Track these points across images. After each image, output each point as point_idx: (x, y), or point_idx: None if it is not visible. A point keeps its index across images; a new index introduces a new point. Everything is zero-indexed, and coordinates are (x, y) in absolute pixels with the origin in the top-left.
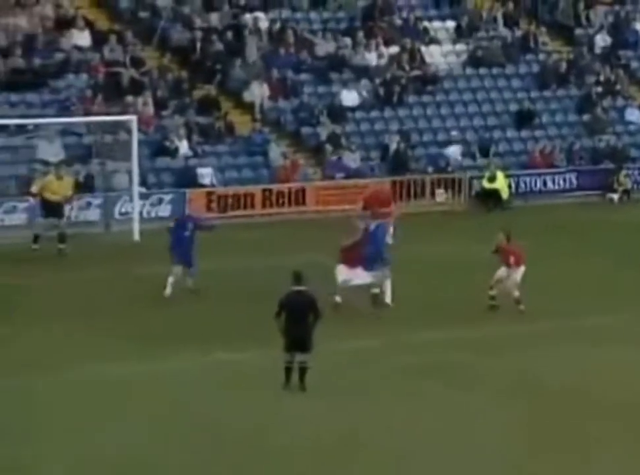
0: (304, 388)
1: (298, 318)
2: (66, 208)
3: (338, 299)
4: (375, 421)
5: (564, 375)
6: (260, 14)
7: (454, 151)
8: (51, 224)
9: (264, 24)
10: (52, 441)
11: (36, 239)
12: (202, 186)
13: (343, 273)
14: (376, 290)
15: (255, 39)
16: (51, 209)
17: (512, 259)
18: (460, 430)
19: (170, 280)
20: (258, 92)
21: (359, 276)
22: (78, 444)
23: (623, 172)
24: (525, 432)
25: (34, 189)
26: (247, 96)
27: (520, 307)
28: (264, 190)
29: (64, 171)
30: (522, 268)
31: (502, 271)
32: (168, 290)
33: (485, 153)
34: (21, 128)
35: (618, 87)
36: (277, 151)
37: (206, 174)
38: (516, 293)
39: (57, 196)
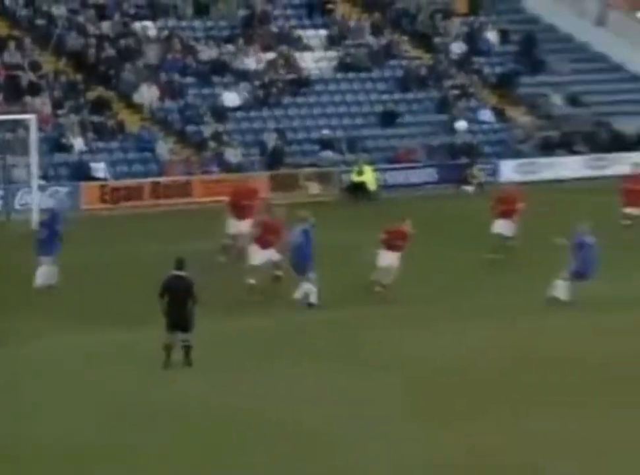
0: (190, 363)
1: (178, 301)
2: None
3: (252, 281)
4: (255, 394)
5: (438, 353)
6: (148, 23)
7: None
8: None
9: (152, 32)
10: None
11: None
12: (96, 179)
13: (255, 255)
14: (279, 272)
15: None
16: None
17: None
18: (345, 401)
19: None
20: (147, 94)
21: (268, 256)
22: None
23: (477, 166)
24: (403, 403)
25: None
26: (137, 97)
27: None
28: (153, 183)
29: None
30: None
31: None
32: (39, 281)
33: (353, 149)
34: None
35: (472, 90)
36: (164, 147)
37: (99, 168)
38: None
39: None
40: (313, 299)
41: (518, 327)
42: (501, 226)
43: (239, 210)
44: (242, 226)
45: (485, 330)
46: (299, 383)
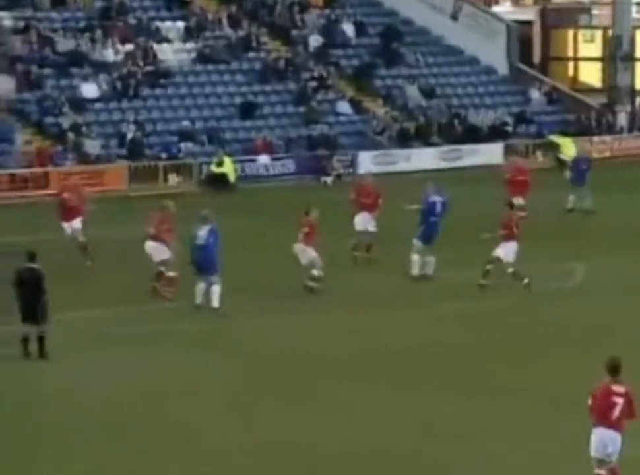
0: (45, 355)
1: (29, 293)
2: None
3: (172, 274)
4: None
5: (277, 339)
6: (4, 13)
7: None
8: None
9: (8, 22)
10: None
11: None
12: None
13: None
14: (171, 273)
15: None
16: None
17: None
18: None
19: None
20: (4, 85)
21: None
22: None
23: (335, 158)
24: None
25: None
26: None
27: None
28: (9, 175)
29: None
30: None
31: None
32: None
33: (213, 141)
34: None
35: (330, 82)
36: (22, 139)
37: None
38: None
39: None
40: (215, 303)
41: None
42: (363, 221)
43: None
44: None
45: (339, 320)
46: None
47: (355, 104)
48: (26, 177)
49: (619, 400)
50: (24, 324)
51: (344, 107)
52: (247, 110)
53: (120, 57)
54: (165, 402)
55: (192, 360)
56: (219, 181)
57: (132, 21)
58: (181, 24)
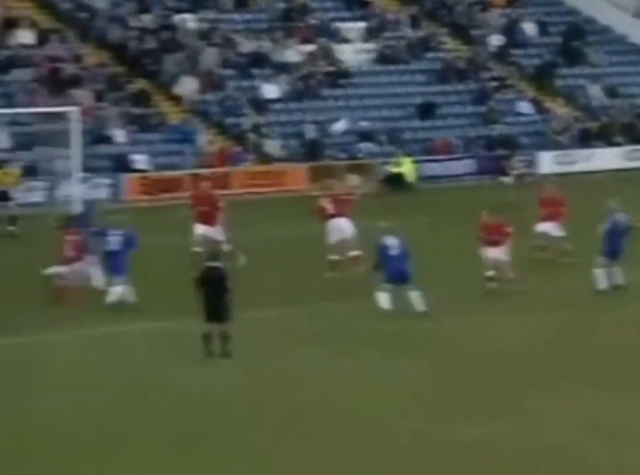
0: (228, 354)
1: (213, 292)
2: (12, 193)
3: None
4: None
5: (465, 339)
6: (188, 16)
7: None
8: None
9: (192, 25)
10: None
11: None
12: (137, 171)
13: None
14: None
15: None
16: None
17: (496, 236)
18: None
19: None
20: (187, 86)
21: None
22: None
23: (516, 158)
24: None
25: None
26: (177, 89)
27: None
28: (192, 175)
29: (12, 168)
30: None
31: (488, 251)
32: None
33: (392, 141)
34: None
35: (510, 82)
36: (204, 139)
37: (140, 160)
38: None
39: (4, 187)
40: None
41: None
42: (547, 228)
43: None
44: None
45: (532, 320)
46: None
47: (536, 104)
48: (208, 178)
49: None
50: (207, 323)
51: (524, 106)
52: (426, 110)
53: (301, 58)
54: (355, 400)
55: (379, 359)
56: (397, 181)
57: (313, 22)
58: (361, 25)
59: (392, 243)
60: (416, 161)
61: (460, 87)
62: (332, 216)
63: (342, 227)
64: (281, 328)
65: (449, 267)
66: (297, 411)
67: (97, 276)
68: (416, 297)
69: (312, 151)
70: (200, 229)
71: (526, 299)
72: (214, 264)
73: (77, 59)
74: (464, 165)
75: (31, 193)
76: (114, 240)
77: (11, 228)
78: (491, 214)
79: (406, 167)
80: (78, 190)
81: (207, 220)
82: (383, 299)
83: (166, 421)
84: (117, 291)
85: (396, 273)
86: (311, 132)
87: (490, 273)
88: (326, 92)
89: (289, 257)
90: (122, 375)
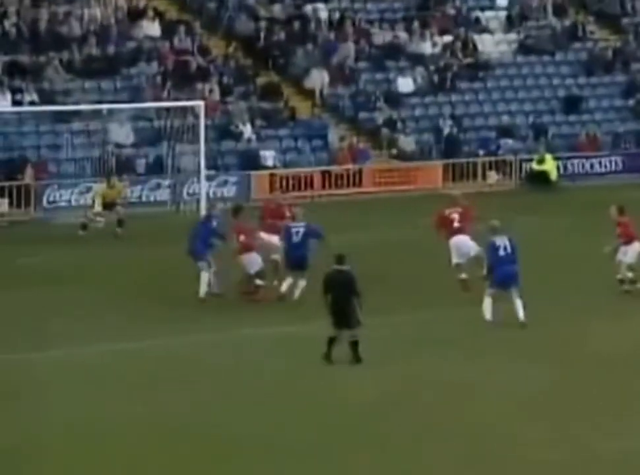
0: (359, 359)
1: (341, 296)
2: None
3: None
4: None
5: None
6: (320, 5)
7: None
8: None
9: (324, 14)
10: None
11: (84, 227)
12: (265, 168)
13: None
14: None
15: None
16: (106, 206)
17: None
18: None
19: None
20: (318, 79)
21: None
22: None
23: None
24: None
25: (98, 205)
26: (307, 83)
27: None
28: (323, 172)
29: (115, 179)
30: (636, 244)
31: (622, 252)
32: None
33: (535, 136)
34: (95, 114)
35: None
36: (336, 135)
37: (269, 156)
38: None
39: (112, 199)
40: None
41: None
42: None
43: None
44: None
45: None
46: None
47: None
48: (340, 175)
49: None
50: (335, 328)
51: None
52: (572, 104)
53: (438, 49)
54: (483, 406)
55: (498, 365)
56: (540, 179)
57: (451, 11)
58: (502, 14)
59: (501, 242)
60: (560, 158)
61: (608, 79)
62: (457, 231)
63: (468, 246)
64: (407, 334)
65: (586, 269)
66: (430, 414)
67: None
68: (519, 305)
69: (448, 147)
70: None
71: None
72: (340, 267)
73: (204, 51)
74: (611, 163)
75: (156, 191)
76: (298, 232)
77: (118, 230)
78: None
79: (549, 165)
80: (204, 188)
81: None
82: (487, 307)
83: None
84: (301, 285)
85: (503, 276)
86: (447, 127)
87: (620, 276)
88: (464, 84)
89: (418, 258)
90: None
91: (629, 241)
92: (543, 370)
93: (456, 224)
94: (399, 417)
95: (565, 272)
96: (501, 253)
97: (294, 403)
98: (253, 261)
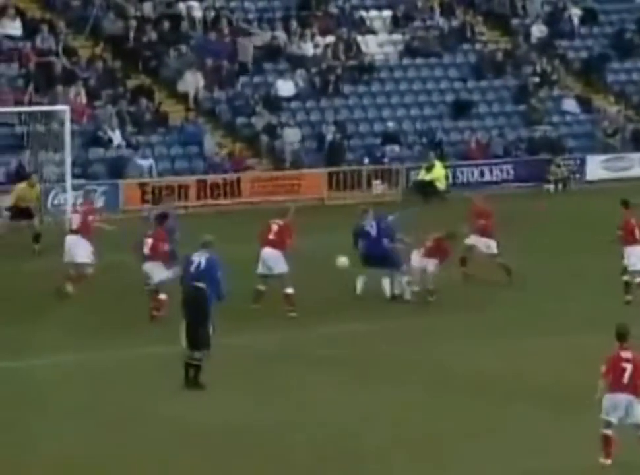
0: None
1: (193, 315)
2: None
3: (261, 287)
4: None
5: (476, 365)
6: (194, 3)
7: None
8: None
9: (198, 13)
10: None
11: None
12: (139, 176)
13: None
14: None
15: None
16: (21, 213)
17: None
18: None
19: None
20: (192, 82)
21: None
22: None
23: (557, 162)
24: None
25: (10, 202)
26: (181, 86)
27: None
28: (198, 181)
29: (35, 179)
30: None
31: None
32: None
33: (421, 143)
34: None
35: (555, 77)
36: (212, 141)
37: (145, 165)
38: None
39: (28, 203)
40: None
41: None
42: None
43: None
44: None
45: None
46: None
47: (584, 102)
48: (217, 184)
49: (628, 365)
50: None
51: (570, 105)
52: (461, 109)
53: (319, 51)
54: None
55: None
56: (428, 188)
57: (333, 10)
58: (387, 13)
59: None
60: (449, 167)
61: (498, 83)
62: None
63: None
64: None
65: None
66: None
67: None
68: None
69: (331, 155)
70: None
71: None
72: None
73: (69, 52)
74: (503, 171)
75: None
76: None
77: (36, 247)
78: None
79: (438, 173)
80: (70, 199)
81: None
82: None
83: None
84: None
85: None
86: (330, 133)
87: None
88: (347, 88)
89: (310, 271)
90: None
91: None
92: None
93: (271, 236)
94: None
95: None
96: (192, 269)
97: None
98: (159, 271)
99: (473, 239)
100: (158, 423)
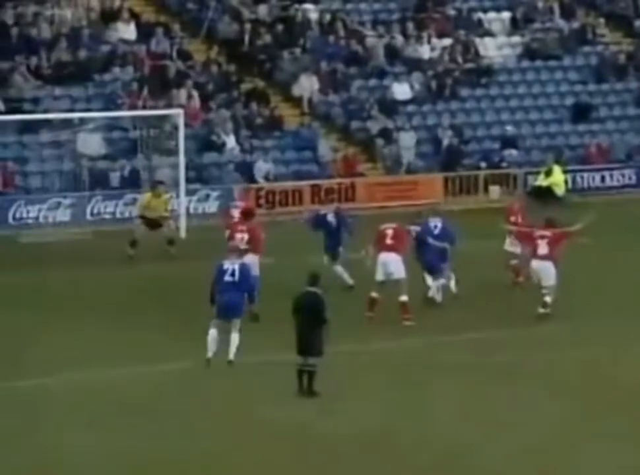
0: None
1: (307, 321)
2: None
3: (374, 294)
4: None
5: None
6: (309, 6)
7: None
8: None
9: (314, 16)
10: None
11: (133, 243)
12: (253, 181)
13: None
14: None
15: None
16: (150, 223)
17: None
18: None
19: None
20: (307, 85)
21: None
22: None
23: None
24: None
25: (137, 211)
26: (295, 89)
27: None
28: (312, 186)
29: (162, 189)
30: None
31: None
32: None
33: (540, 148)
34: (65, 123)
35: None
36: (326, 145)
37: (263, 169)
38: None
39: (155, 213)
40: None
41: None
42: None
43: None
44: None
45: None
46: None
47: None
48: (332, 189)
49: None
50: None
51: None
52: (581, 112)
53: (436, 53)
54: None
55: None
56: (546, 193)
57: (450, 12)
58: (506, 15)
59: (229, 266)
60: (568, 171)
61: (621, 86)
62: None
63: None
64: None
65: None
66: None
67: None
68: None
69: (448, 159)
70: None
71: None
72: (312, 288)
73: (184, 55)
74: (624, 176)
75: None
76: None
77: (169, 249)
78: None
79: (557, 178)
80: (183, 204)
81: None
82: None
83: None
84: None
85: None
86: (447, 138)
87: None
88: (465, 91)
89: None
90: None
91: None
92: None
93: (389, 241)
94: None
95: (582, 298)
96: (227, 278)
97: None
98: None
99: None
100: (276, 430)
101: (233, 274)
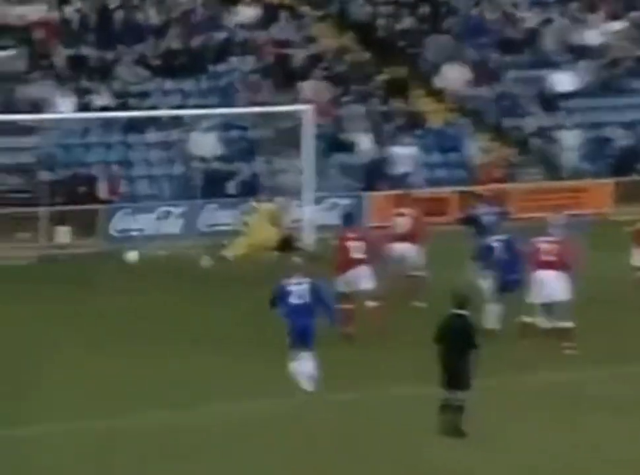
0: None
1: (454, 348)
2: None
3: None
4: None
5: None
6: None
7: None
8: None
9: None
10: None
11: None
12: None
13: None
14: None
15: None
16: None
17: None
18: None
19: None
20: (453, 76)
21: None
22: None
23: None
24: None
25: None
26: (439, 81)
27: None
28: (460, 193)
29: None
30: None
31: None
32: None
33: None
34: (176, 121)
35: None
36: (475, 146)
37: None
38: None
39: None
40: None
41: None
42: None
43: None
44: None
45: None
46: None
47: None
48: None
49: None
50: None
51: None
52: None
53: (606, 39)
54: None
55: None
56: None
57: None
58: None
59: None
60: None
61: None
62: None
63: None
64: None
65: None
66: None
67: None
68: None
69: (620, 162)
70: None
71: None
72: (460, 311)
73: (311, 42)
74: None
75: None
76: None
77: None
78: None
79: None
80: (309, 214)
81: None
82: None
83: None
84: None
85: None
86: (619, 137)
87: None
88: (635, 83)
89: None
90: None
91: None
92: None
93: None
94: None
95: None
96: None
97: None
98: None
99: None
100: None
101: (302, 296)
